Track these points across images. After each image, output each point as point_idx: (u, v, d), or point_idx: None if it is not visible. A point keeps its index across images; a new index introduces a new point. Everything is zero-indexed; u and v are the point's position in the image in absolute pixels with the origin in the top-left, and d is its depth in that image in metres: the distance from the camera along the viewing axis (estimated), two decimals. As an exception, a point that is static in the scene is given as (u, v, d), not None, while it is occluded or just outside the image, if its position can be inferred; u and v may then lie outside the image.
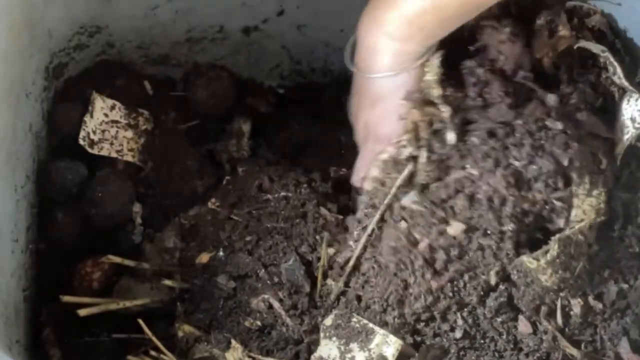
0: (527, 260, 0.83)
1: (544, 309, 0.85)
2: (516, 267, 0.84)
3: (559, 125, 0.86)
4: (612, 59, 0.91)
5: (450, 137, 0.88)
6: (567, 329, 0.85)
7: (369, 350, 0.83)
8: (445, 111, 0.88)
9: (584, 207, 0.85)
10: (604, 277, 0.87)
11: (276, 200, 0.97)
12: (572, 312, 0.85)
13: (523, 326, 0.84)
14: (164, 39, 1.09)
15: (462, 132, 0.88)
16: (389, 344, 0.83)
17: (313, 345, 0.87)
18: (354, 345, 0.84)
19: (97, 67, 1.08)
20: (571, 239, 0.83)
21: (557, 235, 0.83)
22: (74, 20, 1.02)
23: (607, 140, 0.90)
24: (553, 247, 0.82)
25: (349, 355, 0.84)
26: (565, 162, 0.85)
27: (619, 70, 0.91)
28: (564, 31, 0.93)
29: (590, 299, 0.86)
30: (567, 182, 0.85)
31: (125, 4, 1.02)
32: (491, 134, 0.87)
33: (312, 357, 0.85)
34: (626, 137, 0.90)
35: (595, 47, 0.92)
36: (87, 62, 1.07)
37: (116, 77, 1.08)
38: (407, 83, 0.88)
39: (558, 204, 0.85)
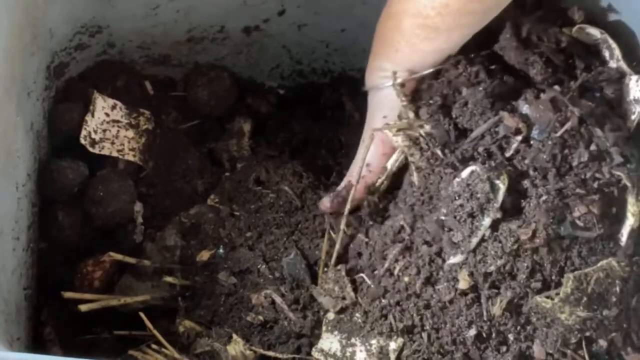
0: (541, 300, 0.78)
1: (568, 346, 0.80)
2: (532, 310, 0.79)
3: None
4: (611, 41, 0.88)
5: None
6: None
7: (370, 345, 0.83)
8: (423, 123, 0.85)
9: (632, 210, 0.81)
10: (633, 307, 0.81)
11: (274, 191, 0.98)
12: (597, 349, 0.80)
13: (538, 352, 0.80)
14: (165, 39, 1.09)
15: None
16: (391, 340, 0.83)
17: (315, 339, 0.86)
18: (355, 340, 0.84)
19: (98, 67, 1.08)
20: (589, 276, 0.78)
21: (573, 273, 0.78)
22: (75, 19, 1.03)
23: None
24: (566, 284, 0.78)
25: (350, 350, 0.83)
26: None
27: (617, 52, 0.88)
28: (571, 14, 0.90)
29: (620, 336, 0.80)
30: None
31: (127, 4, 1.03)
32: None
33: (314, 349, 0.85)
34: (633, 117, 0.86)
35: (594, 30, 0.89)
36: (89, 61, 1.08)
37: (117, 76, 1.08)
38: (385, 100, 0.88)
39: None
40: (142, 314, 0.89)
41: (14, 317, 0.88)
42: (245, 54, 1.15)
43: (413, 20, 0.82)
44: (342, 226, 0.90)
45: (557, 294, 0.78)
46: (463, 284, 0.80)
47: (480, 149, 0.83)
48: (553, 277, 0.79)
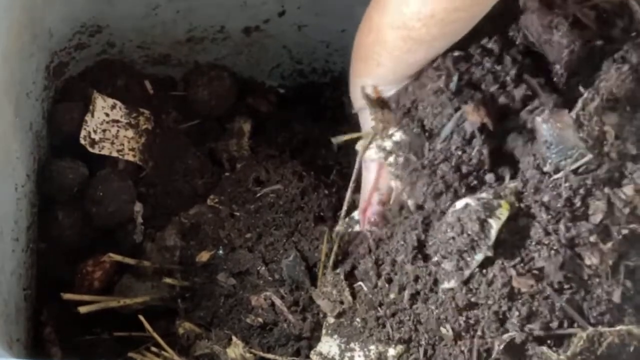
0: (547, 351, 0.74)
1: None
2: (537, 355, 0.74)
3: None
4: (633, 2, 0.80)
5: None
6: None
7: (369, 350, 0.82)
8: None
9: None
10: None
11: (273, 191, 0.98)
12: None
13: None
14: (165, 39, 1.09)
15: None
16: (390, 347, 0.83)
17: (314, 342, 0.86)
18: (354, 345, 0.83)
19: (97, 67, 1.08)
20: (604, 337, 0.72)
21: (587, 331, 0.72)
22: (74, 19, 1.03)
23: None
24: (577, 343, 0.72)
25: (348, 354, 0.82)
26: None
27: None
28: None
29: None
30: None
31: (126, 4, 1.02)
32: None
33: (312, 352, 0.84)
34: None
35: None
36: (88, 61, 1.08)
37: (117, 76, 1.08)
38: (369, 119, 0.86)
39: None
40: (141, 317, 0.89)
41: (13, 318, 0.88)
42: (246, 54, 1.14)
43: (397, 32, 0.78)
44: (340, 228, 0.90)
45: (566, 350, 0.73)
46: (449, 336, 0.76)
47: (453, 148, 0.78)
48: (564, 324, 0.74)
